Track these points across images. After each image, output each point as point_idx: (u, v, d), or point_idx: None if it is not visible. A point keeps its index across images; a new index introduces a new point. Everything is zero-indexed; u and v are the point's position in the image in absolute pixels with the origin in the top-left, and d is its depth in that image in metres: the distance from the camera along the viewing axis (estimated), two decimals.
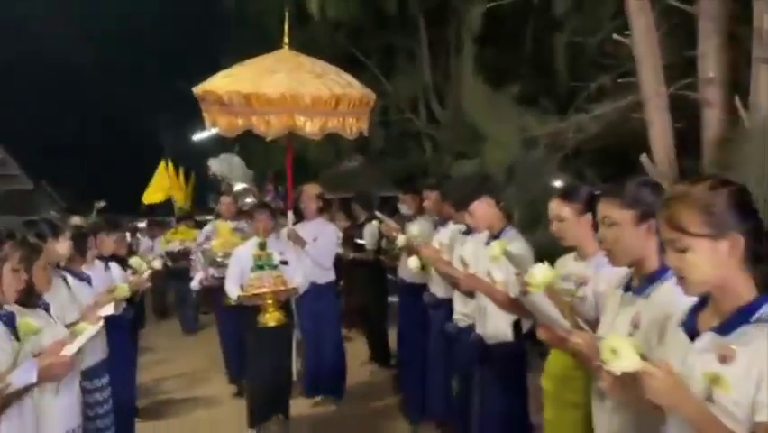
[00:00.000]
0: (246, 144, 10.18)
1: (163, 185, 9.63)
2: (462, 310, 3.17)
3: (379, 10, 7.80)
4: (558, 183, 6.32)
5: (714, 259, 1.27)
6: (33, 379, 1.72)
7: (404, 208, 4.48)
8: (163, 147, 15.53)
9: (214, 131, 14.27)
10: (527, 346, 2.78)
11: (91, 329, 2.11)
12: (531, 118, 5.94)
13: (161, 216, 12.47)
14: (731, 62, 4.57)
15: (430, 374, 3.84)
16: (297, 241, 4.54)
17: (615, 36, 5.09)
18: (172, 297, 8.39)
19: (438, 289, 3.62)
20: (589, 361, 1.62)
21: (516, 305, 2.36)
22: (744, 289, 1.28)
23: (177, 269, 6.84)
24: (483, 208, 2.77)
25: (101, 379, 3.22)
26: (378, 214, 4.28)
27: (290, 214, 4.72)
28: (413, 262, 3.20)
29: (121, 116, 17.22)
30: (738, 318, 1.26)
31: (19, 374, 1.68)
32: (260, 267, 4.00)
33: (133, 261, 3.76)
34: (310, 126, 4.18)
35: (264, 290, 3.94)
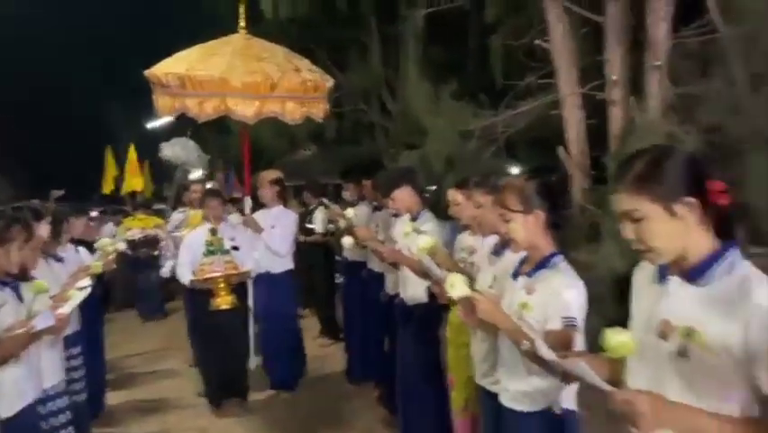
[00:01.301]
0: (200, 131, 10.51)
1: (112, 171, 9.94)
2: (391, 281, 3.85)
3: (330, 8, 8.35)
4: (515, 170, 7.08)
5: (526, 227, 1.98)
6: (53, 322, 2.31)
7: (347, 195, 5.12)
8: (116, 136, 15.71)
9: (166, 119, 14.69)
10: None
11: (80, 294, 2.68)
12: (467, 113, 6.63)
13: (113, 204, 12.72)
14: (632, 67, 5.38)
15: (369, 340, 4.53)
16: (254, 227, 4.67)
17: (537, 41, 5.86)
18: (133, 287, 8.64)
19: (374, 264, 4.30)
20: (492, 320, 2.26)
21: (423, 271, 3.05)
22: (545, 246, 1.99)
23: (138, 257, 7.03)
24: (403, 195, 3.43)
25: (76, 347, 3.78)
26: (324, 200, 4.90)
27: (248, 200, 4.85)
28: (347, 240, 3.85)
29: (71, 104, 17.21)
30: (540, 266, 1.98)
31: (40, 319, 2.25)
32: (212, 252, 4.25)
33: (100, 243, 4.24)
34: (243, 110, 4.22)
35: (216, 274, 4.17)
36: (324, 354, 5.72)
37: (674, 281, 1.34)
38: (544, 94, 6.16)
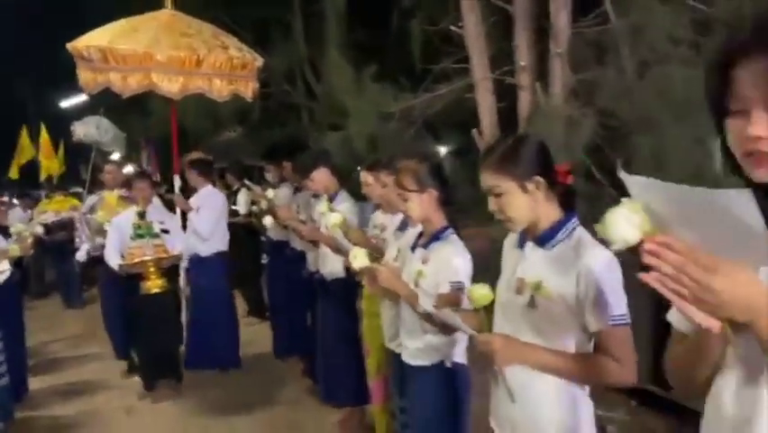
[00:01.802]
0: (116, 110, 10.13)
1: (27, 153, 9.43)
2: (312, 258, 4.06)
3: None
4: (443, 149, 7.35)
5: (421, 205, 2.24)
6: None
7: (269, 177, 5.25)
8: (26, 114, 14.89)
9: (81, 97, 14.17)
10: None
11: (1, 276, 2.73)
12: (388, 95, 6.87)
13: (27, 188, 12.14)
14: (539, 53, 5.76)
15: (293, 316, 4.73)
16: (184, 207, 4.74)
17: (452, 27, 6.14)
18: (51, 274, 8.38)
19: (297, 243, 4.48)
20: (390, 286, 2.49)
21: (338, 248, 3.28)
22: (438, 221, 2.26)
23: (55, 242, 6.82)
24: (321, 176, 3.63)
25: None
26: (247, 182, 5.01)
27: (176, 178, 4.89)
28: (267, 220, 4.02)
29: None
30: (433, 239, 2.25)
31: None
32: (141, 236, 4.26)
33: (16, 227, 4.21)
34: (167, 85, 4.20)
35: (146, 258, 4.20)
36: (252, 332, 5.86)
37: (528, 246, 1.63)
38: (459, 78, 6.47)
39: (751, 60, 0.88)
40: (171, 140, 5.25)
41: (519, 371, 1.56)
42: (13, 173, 8.96)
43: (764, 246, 0.83)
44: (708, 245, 0.83)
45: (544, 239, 1.60)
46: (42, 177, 9.43)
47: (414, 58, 7.14)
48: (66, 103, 15.17)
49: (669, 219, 0.90)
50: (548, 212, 1.60)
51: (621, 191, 1.34)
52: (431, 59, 6.91)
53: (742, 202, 0.79)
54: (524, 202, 1.58)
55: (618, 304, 1.46)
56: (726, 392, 0.99)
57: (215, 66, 4.29)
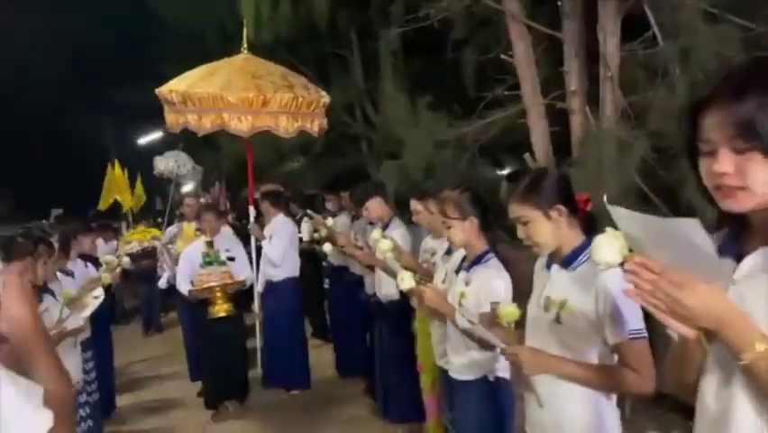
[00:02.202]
0: (193, 146, 10.85)
1: (113, 188, 10.13)
2: (369, 282, 4.32)
3: (312, 26, 8.83)
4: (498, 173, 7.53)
5: (463, 231, 2.45)
6: (82, 323, 2.76)
7: (329, 206, 5.58)
8: (108, 152, 16.12)
9: (158, 135, 15.21)
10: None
11: (96, 302, 3.13)
12: (443, 123, 7.12)
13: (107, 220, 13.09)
14: (589, 77, 5.87)
15: (354, 337, 5.00)
16: (259, 236, 5.09)
17: (502, 56, 6.36)
18: (131, 301, 9.02)
19: (355, 268, 4.77)
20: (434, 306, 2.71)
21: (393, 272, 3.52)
22: (479, 246, 2.47)
23: (138, 270, 7.11)
24: (374, 205, 3.92)
25: (87, 353, 4.23)
26: (308, 211, 5.35)
27: (251, 209, 5.25)
28: (327, 247, 4.32)
29: (64, 124, 17.70)
30: (475, 262, 2.46)
31: (71, 321, 2.71)
32: (209, 263, 4.58)
33: (105, 258, 4.68)
34: (237, 124, 4.58)
35: (213, 284, 4.50)
36: (317, 353, 6.15)
37: (554, 268, 1.83)
38: (512, 104, 6.64)
39: (713, 109, 1.07)
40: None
41: (547, 379, 1.75)
42: (103, 206, 9.64)
43: (718, 265, 1.01)
44: (678, 265, 1.02)
45: (567, 261, 1.79)
46: (125, 209, 10.21)
47: (467, 86, 7.38)
48: (143, 140, 16.26)
49: (645, 244, 1.10)
50: (570, 237, 1.79)
51: (676, 212, 1.49)
52: (483, 86, 7.12)
53: (693, 228, 0.98)
54: (548, 229, 1.78)
55: (634, 319, 1.63)
56: (708, 391, 1.16)
57: (281, 105, 4.63)
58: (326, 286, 6.85)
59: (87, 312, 3.01)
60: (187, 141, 9.31)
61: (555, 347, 1.76)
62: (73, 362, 3.22)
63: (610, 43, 5.51)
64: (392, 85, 7.73)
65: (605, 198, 1.23)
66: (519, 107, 6.45)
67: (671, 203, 4.71)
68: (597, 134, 5.45)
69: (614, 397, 1.77)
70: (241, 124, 4.56)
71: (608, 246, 1.29)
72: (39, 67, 17.28)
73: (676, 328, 1.03)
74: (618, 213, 1.15)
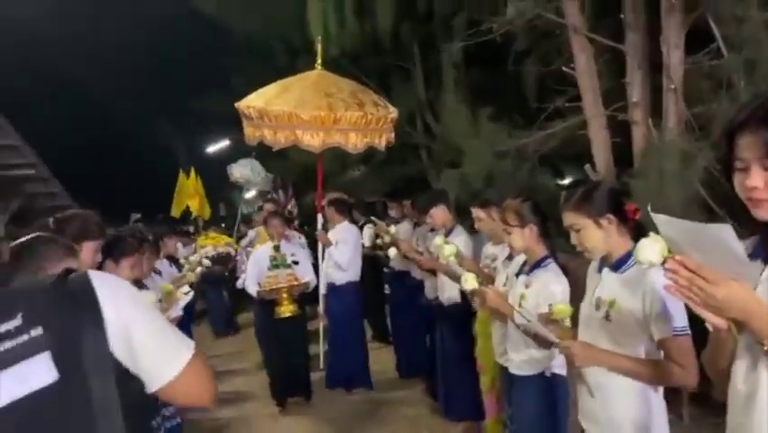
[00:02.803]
0: (262, 155, 11.37)
1: (184, 195, 10.51)
2: (430, 286, 4.58)
3: (376, 40, 9.21)
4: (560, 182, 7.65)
5: (523, 238, 2.69)
6: (181, 313, 3.16)
7: (392, 213, 5.88)
8: (178, 160, 17.08)
9: (226, 143, 15.91)
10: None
11: (186, 297, 3.53)
12: (503, 134, 7.31)
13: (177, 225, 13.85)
14: (651, 88, 5.95)
15: (415, 340, 5.26)
16: (325, 241, 5.35)
17: (564, 68, 6.51)
18: (200, 304, 9.52)
19: (416, 273, 5.04)
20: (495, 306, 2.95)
21: (454, 275, 3.78)
22: (539, 251, 2.69)
23: (210, 275, 7.31)
24: (438, 213, 4.18)
25: None
26: (373, 218, 5.67)
27: (320, 217, 5.54)
28: (391, 251, 4.61)
29: (137, 134, 18.94)
30: (534, 267, 2.68)
31: (173, 312, 3.11)
32: (276, 266, 4.89)
33: (190, 259, 5.12)
34: (309, 140, 4.85)
35: (280, 285, 4.81)
36: (376, 355, 6.45)
37: (605, 271, 2.04)
38: (572, 115, 6.76)
39: (747, 132, 1.29)
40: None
41: (598, 371, 1.97)
42: (176, 212, 10.20)
43: (747, 265, 1.22)
44: (711, 264, 1.24)
45: (616, 265, 2.00)
46: (193, 215, 10.82)
47: (528, 97, 7.55)
48: (212, 149, 17.10)
49: (683, 246, 1.32)
50: (620, 243, 2.01)
51: (739, 222, 1.65)
52: (544, 97, 7.27)
53: (726, 233, 1.20)
54: (598, 236, 2.01)
55: (679, 317, 1.83)
56: (738, 375, 1.36)
57: (351, 122, 4.89)
58: (387, 291, 7.17)
59: (180, 305, 3.40)
60: (257, 150, 9.77)
61: (605, 343, 1.98)
62: None
63: (674, 56, 5.59)
64: (453, 96, 7.99)
65: (649, 207, 1.45)
66: (580, 118, 6.58)
67: (734, 213, 4.75)
68: (659, 146, 5.53)
69: (660, 389, 1.97)
70: (312, 141, 4.85)
71: (649, 248, 1.52)
72: (119, 75, 18.50)
73: (709, 319, 1.25)
74: (659, 219, 1.38)
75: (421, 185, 9.32)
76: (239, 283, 6.19)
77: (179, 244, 9.45)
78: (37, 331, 0.99)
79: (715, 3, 5.20)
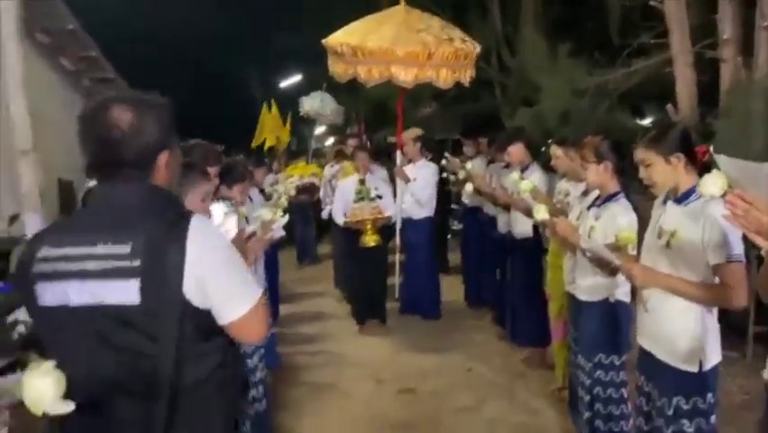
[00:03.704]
0: (331, 89, 11.55)
1: (271, 127, 10.28)
2: (503, 221, 4.89)
3: None
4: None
5: (598, 173, 2.94)
6: (283, 233, 3.61)
7: (467, 150, 6.14)
8: (252, 93, 17.66)
9: (298, 78, 16.16)
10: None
11: (283, 219, 3.97)
12: (582, 71, 7.31)
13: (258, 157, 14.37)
14: (744, 26, 5.80)
15: (485, 272, 5.62)
16: (404, 177, 5.57)
17: (651, 2, 6.40)
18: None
19: (489, 209, 5.34)
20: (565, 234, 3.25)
21: (527, 210, 4.07)
22: (612, 187, 2.94)
23: (297, 204, 7.36)
24: (517, 150, 4.43)
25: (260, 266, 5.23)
26: (446, 154, 5.93)
27: (399, 154, 5.79)
28: (468, 187, 4.91)
29: (215, 66, 19.73)
30: (606, 200, 2.94)
31: (277, 231, 3.57)
32: (361, 199, 5.26)
33: (279, 187, 5.56)
34: (404, 76, 4.95)
35: (366, 217, 5.17)
36: (443, 286, 6.87)
37: (670, 204, 2.30)
38: (657, 52, 6.69)
39: None
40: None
41: (656, 293, 2.26)
42: (256, 143, 10.06)
43: None
44: (765, 198, 1.50)
45: (681, 199, 2.25)
46: (266, 146, 11.07)
47: (611, 33, 7.47)
48: (284, 83, 17.56)
49: (741, 182, 1.59)
50: (686, 180, 2.24)
51: None
52: (629, 33, 7.20)
53: None
54: (666, 172, 2.25)
55: (735, 245, 2.07)
56: None
57: (443, 58, 5.01)
58: (454, 226, 7.50)
59: (279, 226, 3.85)
60: (328, 84, 9.86)
61: (664, 267, 2.25)
62: (260, 272, 4.13)
63: None
64: (532, 30, 7.98)
65: (711, 150, 1.71)
66: (665, 56, 6.52)
67: None
68: (747, 85, 5.49)
69: (714, 311, 2.24)
70: (406, 76, 4.98)
71: (712, 182, 1.77)
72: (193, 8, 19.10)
73: (762, 244, 1.51)
74: (721, 159, 1.64)
75: (493, 122, 9.43)
76: (324, 214, 6.61)
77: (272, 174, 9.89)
78: (136, 262, 1.39)
79: None
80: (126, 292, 1.39)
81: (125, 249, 1.40)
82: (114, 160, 1.48)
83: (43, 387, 1.13)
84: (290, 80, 17.55)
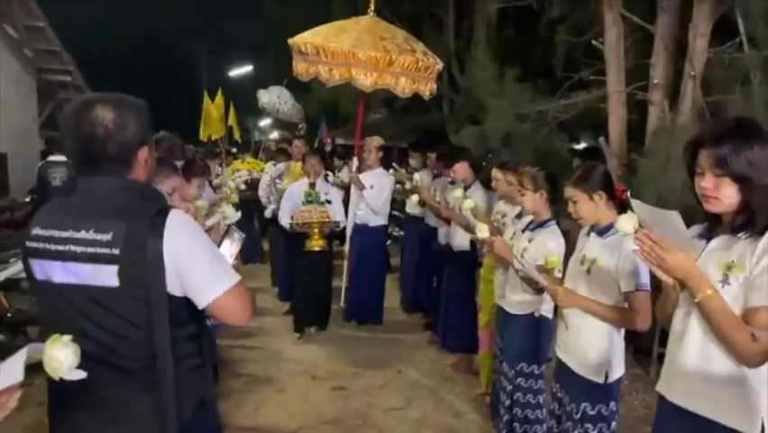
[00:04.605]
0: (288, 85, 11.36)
1: (211, 119, 10.09)
2: (443, 233, 5.20)
3: None
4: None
5: (534, 200, 3.27)
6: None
7: (413, 162, 6.44)
8: (201, 81, 17.41)
9: (249, 68, 16.21)
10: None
11: (236, 215, 4.10)
12: (526, 96, 7.77)
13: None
14: (673, 72, 6.38)
15: (422, 279, 5.93)
16: (359, 185, 5.60)
17: (593, 42, 6.91)
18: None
19: (430, 220, 5.65)
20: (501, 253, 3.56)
21: (467, 225, 4.39)
22: (545, 213, 3.28)
23: (244, 199, 7.09)
24: (462, 168, 4.75)
25: None
26: (393, 164, 6.20)
27: (355, 160, 5.82)
28: (414, 197, 5.19)
29: (162, 51, 19.28)
30: (539, 225, 3.28)
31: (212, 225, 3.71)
32: (310, 202, 5.17)
33: (230, 182, 5.66)
34: (363, 79, 4.98)
35: (313, 220, 5.12)
36: None
37: (592, 235, 2.64)
38: (595, 87, 7.22)
39: (704, 147, 1.84)
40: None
41: (575, 312, 2.59)
42: (203, 136, 9.79)
43: (690, 241, 1.81)
44: (667, 238, 1.82)
45: (601, 232, 2.60)
46: (203, 137, 10.23)
47: (555, 65, 7.97)
48: (233, 73, 17.42)
49: (650, 223, 1.90)
50: (607, 215, 2.59)
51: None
52: (570, 67, 7.71)
53: (676, 219, 1.78)
54: (590, 207, 2.59)
55: (643, 276, 2.42)
56: (676, 319, 1.96)
57: (404, 67, 5.10)
58: (395, 233, 7.79)
59: (231, 221, 3.99)
60: (288, 80, 9.68)
61: (584, 291, 2.59)
62: None
63: (699, 43, 6.01)
64: (483, 51, 8.39)
65: (628, 194, 2.03)
66: (602, 92, 7.04)
67: None
68: (671, 128, 6.03)
69: (622, 331, 2.59)
70: (365, 80, 5.05)
71: (626, 222, 2.11)
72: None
73: (662, 277, 1.83)
74: (635, 203, 1.96)
75: (439, 137, 9.78)
76: (267, 213, 6.59)
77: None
78: (115, 250, 1.56)
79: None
80: (105, 276, 1.56)
81: (106, 237, 1.57)
82: (98, 155, 1.63)
83: (62, 357, 1.30)
84: (240, 70, 17.44)
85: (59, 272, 1.60)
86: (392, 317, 6.21)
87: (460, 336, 4.76)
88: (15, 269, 4.38)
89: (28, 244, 1.64)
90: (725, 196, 1.79)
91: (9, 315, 4.44)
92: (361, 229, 5.75)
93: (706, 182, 1.81)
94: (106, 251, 1.56)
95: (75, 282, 1.59)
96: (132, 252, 1.56)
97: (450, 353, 5.00)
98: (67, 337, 1.34)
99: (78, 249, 1.58)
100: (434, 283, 5.49)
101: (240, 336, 5.48)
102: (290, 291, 5.99)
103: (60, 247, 1.60)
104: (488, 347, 4.28)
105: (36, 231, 1.64)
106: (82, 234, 1.58)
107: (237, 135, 10.39)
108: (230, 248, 2.58)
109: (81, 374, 1.35)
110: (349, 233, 5.76)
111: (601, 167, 2.69)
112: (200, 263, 1.64)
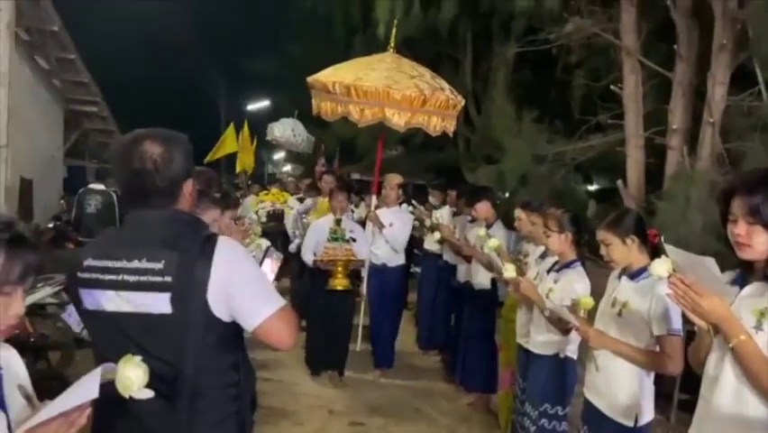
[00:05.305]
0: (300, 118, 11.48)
1: (226, 146, 10.32)
2: (462, 270, 5.23)
3: (434, 28, 9.74)
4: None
5: (559, 242, 3.32)
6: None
7: (432, 200, 6.51)
8: (220, 115, 17.76)
9: (266, 103, 16.46)
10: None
11: (265, 243, 4.16)
12: (544, 138, 7.89)
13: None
14: (691, 118, 6.49)
15: (439, 316, 5.93)
16: (377, 223, 5.40)
17: (611, 87, 7.05)
18: None
19: (449, 257, 5.69)
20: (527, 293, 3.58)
21: (489, 264, 4.42)
22: (570, 255, 3.32)
23: (266, 231, 6.72)
24: (484, 207, 4.80)
25: None
26: (414, 202, 6.26)
27: (374, 198, 5.66)
28: (435, 235, 5.23)
29: (183, 83, 19.75)
30: (564, 267, 3.32)
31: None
32: (336, 239, 4.96)
33: (253, 213, 5.72)
34: (397, 119, 4.89)
35: (338, 258, 4.92)
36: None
37: (624, 278, 2.67)
38: (613, 131, 7.33)
39: (737, 195, 1.89)
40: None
41: (605, 354, 2.61)
42: (210, 158, 9.93)
43: (725, 287, 1.85)
44: (702, 283, 1.86)
45: (633, 275, 2.63)
46: (238, 169, 10.71)
47: (573, 108, 8.11)
48: (251, 107, 17.75)
49: (684, 268, 1.94)
50: (639, 259, 2.63)
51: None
52: (588, 110, 7.85)
53: (711, 264, 1.82)
54: (623, 251, 2.63)
55: (675, 320, 2.44)
56: (710, 363, 1.98)
57: (436, 105, 5.05)
58: (412, 269, 7.79)
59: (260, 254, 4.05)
60: (300, 113, 9.76)
61: (614, 332, 2.61)
62: None
63: (718, 91, 6.14)
64: (501, 92, 8.56)
65: (662, 239, 2.07)
66: (620, 136, 7.16)
67: None
68: (690, 173, 6.11)
69: (652, 374, 2.60)
70: (399, 120, 4.96)
71: (660, 266, 2.14)
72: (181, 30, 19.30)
73: (696, 322, 1.86)
74: (669, 248, 2.00)
75: (455, 175, 9.88)
76: (292, 248, 6.42)
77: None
78: (168, 278, 1.62)
79: (763, 48, 5.72)
80: (159, 303, 1.62)
81: (159, 265, 1.63)
82: (147, 188, 1.69)
83: (134, 377, 1.35)
84: (258, 105, 17.78)
85: (110, 302, 1.65)
86: (408, 354, 6.19)
87: (478, 375, 4.74)
88: (42, 294, 4.44)
89: (80, 274, 1.68)
90: (757, 243, 1.82)
91: (32, 339, 4.48)
92: (380, 269, 5.55)
93: (739, 229, 1.84)
94: (159, 279, 1.62)
95: (127, 310, 1.64)
96: (184, 279, 1.61)
97: (467, 391, 4.97)
98: (138, 358, 1.39)
99: (132, 278, 1.63)
100: (453, 321, 5.48)
101: (256, 367, 5.45)
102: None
103: (114, 277, 1.65)
104: (507, 386, 4.26)
105: (88, 262, 1.68)
106: (135, 264, 1.64)
107: (247, 164, 10.56)
108: (270, 265, 2.61)
109: (149, 393, 1.39)
110: (367, 272, 5.54)
111: (634, 211, 2.74)
112: (250, 286, 1.69)
